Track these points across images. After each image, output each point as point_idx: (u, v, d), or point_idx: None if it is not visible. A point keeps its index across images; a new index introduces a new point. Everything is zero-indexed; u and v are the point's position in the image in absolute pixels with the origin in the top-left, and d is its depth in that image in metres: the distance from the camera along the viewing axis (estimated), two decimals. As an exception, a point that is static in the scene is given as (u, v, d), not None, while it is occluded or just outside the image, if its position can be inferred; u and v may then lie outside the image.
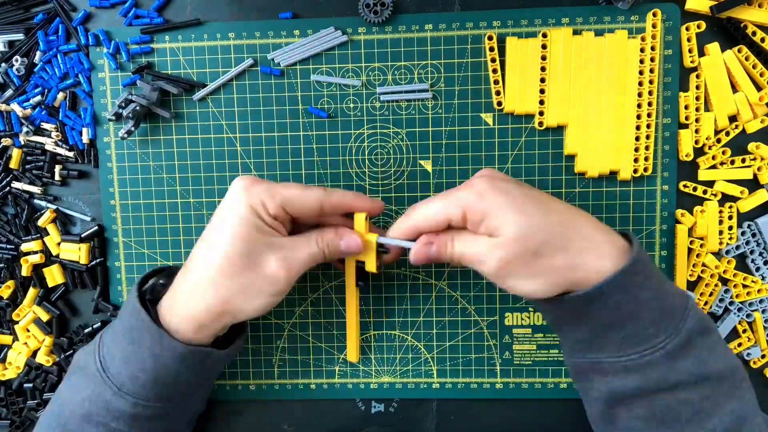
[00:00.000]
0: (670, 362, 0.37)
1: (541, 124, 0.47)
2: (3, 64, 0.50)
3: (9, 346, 0.52)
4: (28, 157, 0.51)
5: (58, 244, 0.51)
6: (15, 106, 0.50)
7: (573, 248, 0.37)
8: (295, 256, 0.40)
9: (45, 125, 0.50)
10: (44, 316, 0.51)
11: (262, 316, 0.51)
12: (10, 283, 0.51)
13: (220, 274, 0.39)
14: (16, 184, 0.51)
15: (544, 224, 0.37)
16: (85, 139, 0.50)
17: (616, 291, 0.37)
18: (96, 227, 0.51)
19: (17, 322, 0.52)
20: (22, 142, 0.50)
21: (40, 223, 0.51)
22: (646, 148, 0.47)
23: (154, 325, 0.39)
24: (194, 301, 0.40)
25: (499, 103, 0.48)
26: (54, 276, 0.51)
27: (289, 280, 0.40)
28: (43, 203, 0.51)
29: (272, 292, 0.40)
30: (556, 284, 0.38)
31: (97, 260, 0.51)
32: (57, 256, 0.51)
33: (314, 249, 0.41)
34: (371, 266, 0.44)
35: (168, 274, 0.43)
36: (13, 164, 0.51)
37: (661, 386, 0.37)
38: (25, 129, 0.50)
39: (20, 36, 0.50)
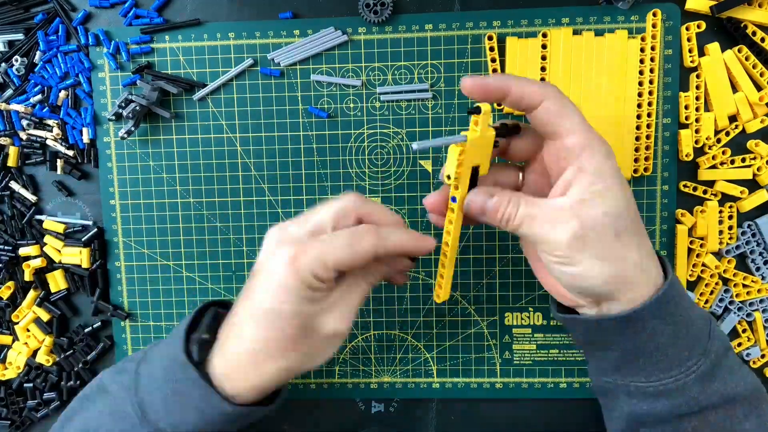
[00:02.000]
0: (701, 385, 0.36)
1: (541, 124, 0.47)
2: (3, 64, 0.50)
3: (9, 346, 0.52)
4: (28, 158, 0.51)
5: (59, 250, 0.51)
6: (15, 105, 0.49)
7: (644, 251, 0.35)
8: (351, 306, 0.38)
9: (46, 121, 0.50)
10: (44, 316, 0.51)
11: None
12: (10, 284, 0.51)
13: (279, 350, 0.36)
14: (13, 185, 0.51)
15: (634, 213, 0.35)
16: (85, 138, 0.50)
17: (653, 315, 0.35)
18: (96, 230, 0.51)
19: (17, 323, 0.52)
20: (23, 137, 0.50)
21: (44, 225, 0.51)
22: (646, 148, 0.47)
23: (204, 383, 0.36)
24: (254, 372, 0.37)
25: (499, 103, 0.48)
26: (57, 281, 0.51)
27: (350, 327, 0.38)
28: (42, 217, 0.51)
29: (336, 346, 0.38)
30: (619, 278, 0.35)
31: (98, 263, 0.51)
32: (59, 262, 0.51)
33: (366, 289, 0.39)
34: (485, 168, 0.38)
35: (211, 327, 0.39)
36: (11, 162, 0.51)
37: (692, 409, 0.36)
38: (26, 122, 0.50)
39: (20, 36, 0.50)
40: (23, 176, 0.51)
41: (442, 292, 0.41)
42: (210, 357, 0.38)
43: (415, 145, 0.34)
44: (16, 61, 0.49)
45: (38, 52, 0.49)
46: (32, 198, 0.51)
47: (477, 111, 0.36)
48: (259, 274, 0.37)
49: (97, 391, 0.40)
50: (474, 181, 0.38)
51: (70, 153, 0.50)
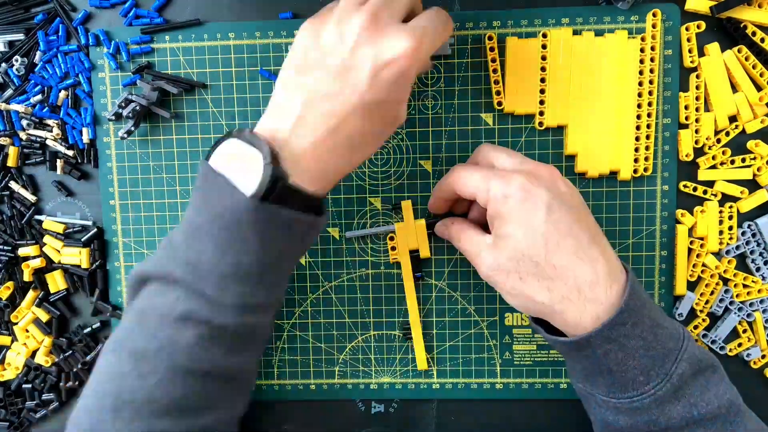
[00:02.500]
0: (660, 408, 0.36)
1: (541, 124, 0.47)
2: (3, 64, 0.49)
3: (8, 347, 0.52)
4: (27, 158, 0.51)
5: (59, 250, 0.51)
6: (15, 105, 0.49)
7: (557, 294, 0.37)
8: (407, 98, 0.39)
9: (46, 121, 0.50)
10: (44, 317, 0.51)
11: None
12: (10, 284, 0.51)
13: (373, 137, 0.38)
14: (13, 186, 0.51)
15: (541, 259, 0.37)
16: (85, 139, 0.50)
17: (602, 341, 0.36)
18: (95, 230, 0.50)
19: (16, 323, 0.52)
20: (23, 137, 0.50)
21: (44, 225, 0.51)
22: (646, 148, 0.47)
23: (267, 205, 0.34)
24: (345, 164, 0.37)
25: (499, 103, 0.48)
26: (56, 282, 0.51)
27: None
28: (42, 217, 0.51)
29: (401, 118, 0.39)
30: (530, 312, 0.39)
31: (97, 263, 0.51)
32: (59, 262, 0.51)
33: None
34: (425, 251, 0.48)
35: (273, 157, 0.35)
36: (11, 162, 0.51)
37: (651, 428, 0.37)
38: (26, 122, 0.50)
39: (20, 36, 0.50)
40: (23, 176, 0.51)
41: (419, 360, 0.50)
42: (287, 169, 0.35)
43: (348, 234, 0.47)
44: (16, 61, 0.49)
45: (38, 52, 0.49)
46: (32, 198, 0.51)
47: (398, 207, 0.48)
48: (358, 65, 0.35)
49: (127, 310, 0.39)
50: (416, 264, 0.49)
51: (70, 153, 0.50)
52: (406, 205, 0.48)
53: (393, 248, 0.49)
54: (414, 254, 0.48)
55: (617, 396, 0.37)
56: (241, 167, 0.35)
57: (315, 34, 0.36)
